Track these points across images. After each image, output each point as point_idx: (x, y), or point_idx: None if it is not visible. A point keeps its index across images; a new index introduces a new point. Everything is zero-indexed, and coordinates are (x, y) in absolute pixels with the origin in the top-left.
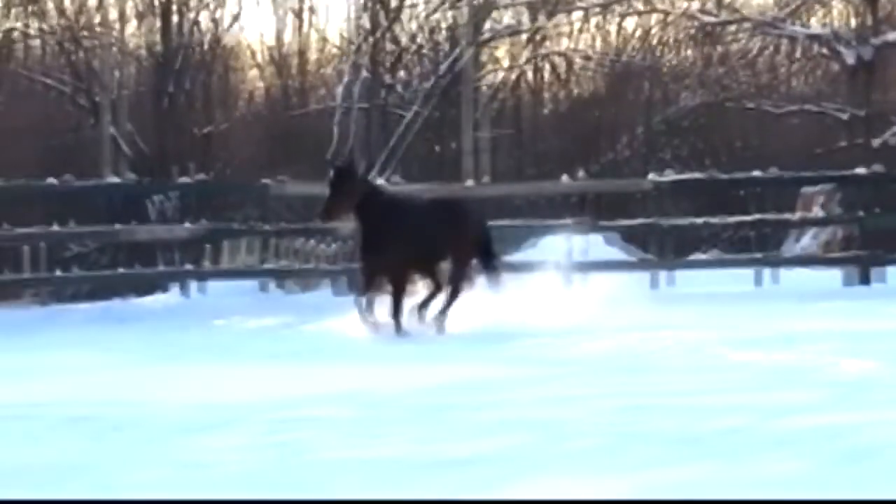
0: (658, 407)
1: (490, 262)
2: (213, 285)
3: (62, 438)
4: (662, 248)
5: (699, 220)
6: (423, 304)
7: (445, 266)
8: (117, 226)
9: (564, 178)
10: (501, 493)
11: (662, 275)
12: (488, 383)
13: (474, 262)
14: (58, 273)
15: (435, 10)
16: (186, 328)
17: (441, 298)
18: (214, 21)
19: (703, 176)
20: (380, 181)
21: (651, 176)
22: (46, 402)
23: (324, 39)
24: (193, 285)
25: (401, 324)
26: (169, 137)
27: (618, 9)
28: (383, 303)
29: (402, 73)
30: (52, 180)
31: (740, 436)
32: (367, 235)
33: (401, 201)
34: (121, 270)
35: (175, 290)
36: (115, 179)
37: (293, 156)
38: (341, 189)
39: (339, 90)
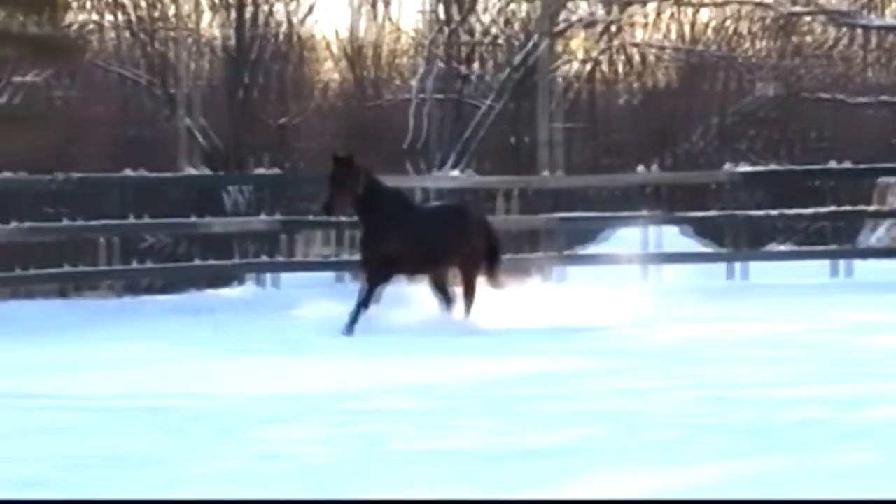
0: (732, 399)
1: (493, 264)
2: (288, 277)
3: (139, 430)
4: (737, 240)
5: (774, 212)
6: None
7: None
8: (193, 218)
9: (640, 168)
10: (578, 485)
11: (737, 266)
12: (562, 375)
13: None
14: (134, 265)
15: (510, 1)
16: (261, 320)
17: (458, 305)
18: (289, 12)
19: (778, 167)
20: (455, 173)
21: (726, 167)
22: (123, 394)
23: (398, 30)
24: (269, 277)
25: (358, 317)
26: (244, 129)
27: None
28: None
29: (476, 65)
30: (128, 172)
31: (814, 427)
32: (369, 229)
33: (403, 197)
34: (196, 262)
35: (250, 282)
36: (190, 171)
37: (368, 148)
38: (342, 181)
39: (414, 82)
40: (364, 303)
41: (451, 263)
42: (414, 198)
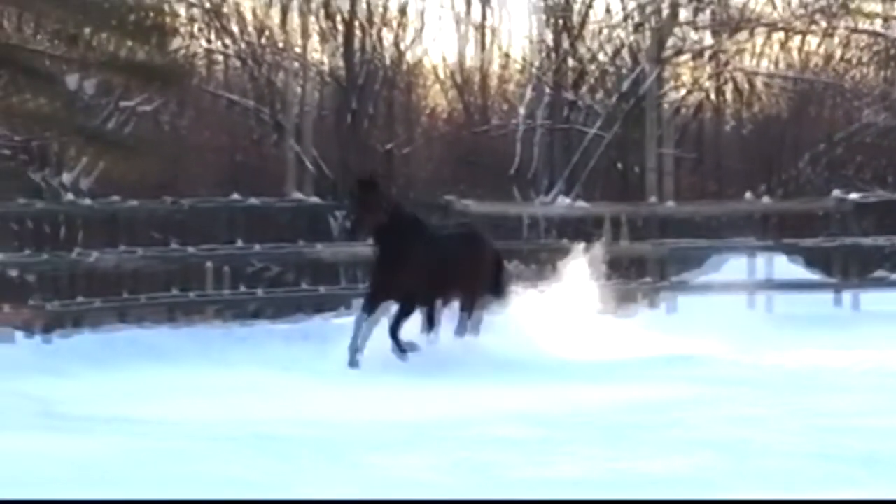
0: (841, 427)
1: (499, 292)
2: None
3: (249, 456)
4: (846, 268)
5: (883, 239)
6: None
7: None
8: (301, 244)
9: (748, 196)
10: None
11: (847, 295)
12: (671, 402)
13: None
14: (242, 290)
15: (616, 27)
16: (371, 346)
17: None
18: (397, 38)
19: (887, 195)
20: (563, 200)
21: (834, 194)
22: (233, 420)
23: (506, 57)
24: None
25: (400, 343)
26: (352, 156)
27: (800, 27)
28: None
29: (584, 91)
30: (236, 197)
31: None
32: (385, 256)
33: (422, 225)
34: (304, 288)
35: (358, 306)
36: (299, 197)
37: (475, 174)
38: (368, 203)
39: (522, 109)
40: (395, 337)
41: (458, 290)
42: (430, 226)
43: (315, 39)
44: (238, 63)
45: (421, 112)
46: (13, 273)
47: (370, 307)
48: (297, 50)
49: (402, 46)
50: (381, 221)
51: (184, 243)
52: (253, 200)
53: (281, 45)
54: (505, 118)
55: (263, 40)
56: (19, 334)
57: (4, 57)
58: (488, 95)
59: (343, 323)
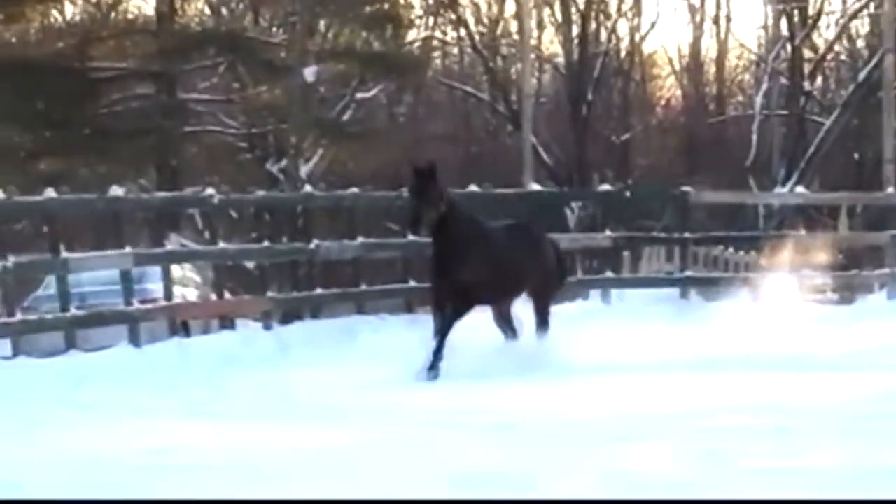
0: None
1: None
2: (633, 292)
3: (488, 446)
4: None
5: None
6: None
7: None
8: None
9: None
10: None
11: None
12: None
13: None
14: None
15: (853, 17)
16: (608, 336)
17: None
18: (632, 29)
19: None
20: (800, 189)
21: None
22: (471, 410)
23: (741, 47)
24: (614, 292)
25: (441, 352)
26: (586, 145)
27: None
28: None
29: (819, 81)
30: (473, 188)
31: None
32: (443, 254)
33: (478, 220)
34: None
35: (596, 296)
36: (535, 187)
37: (709, 163)
38: (427, 194)
39: (758, 98)
40: (441, 341)
41: (524, 289)
42: (485, 221)
43: (550, 30)
44: (473, 53)
45: (655, 101)
46: (251, 264)
47: (441, 315)
48: (533, 41)
49: (637, 37)
50: (440, 214)
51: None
52: (489, 190)
53: (516, 35)
54: (738, 108)
55: (499, 31)
56: (258, 325)
57: (241, 49)
58: (722, 85)
59: (580, 311)
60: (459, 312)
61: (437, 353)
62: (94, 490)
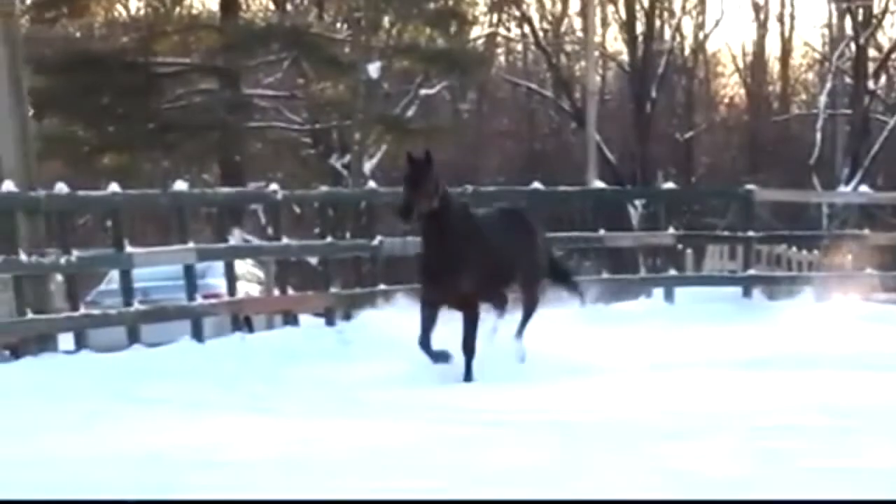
0: None
1: (565, 279)
2: (695, 290)
3: (538, 444)
4: None
5: None
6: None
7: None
8: (602, 232)
9: None
10: None
11: None
12: None
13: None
14: None
15: None
16: (669, 334)
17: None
18: (696, 27)
19: None
20: (863, 188)
21: None
22: (523, 409)
23: (805, 45)
24: (661, 293)
25: (472, 360)
26: (649, 143)
27: None
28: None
29: (883, 80)
30: (537, 185)
31: None
32: (433, 252)
33: (475, 218)
34: (589, 278)
35: (659, 294)
36: (598, 185)
37: (773, 162)
38: (420, 184)
39: (822, 97)
40: (471, 347)
41: (517, 279)
42: (477, 214)
43: (614, 28)
44: (537, 49)
45: (718, 100)
46: (314, 260)
47: (429, 318)
48: (597, 39)
49: (701, 35)
50: (432, 207)
51: None
52: (554, 187)
53: (580, 33)
54: (801, 107)
55: (562, 28)
56: (320, 321)
57: (305, 45)
58: (787, 83)
59: (642, 310)
60: (473, 321)
61: (468, 365)
62: (146, 489)
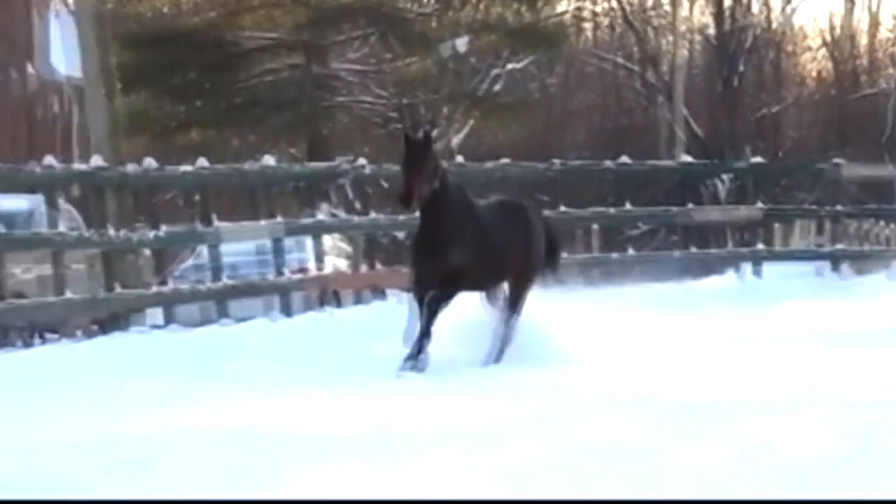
0: None
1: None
2: (783, 266)
3: (629, 419)
4: None
5: None
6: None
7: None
8: (690, 206)
9: None
10: None
11: None
12: None
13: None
14: (613, 255)
15: None
16: (757, 308)
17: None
18: (783, 1)
19: None
20: None
21: None
22: (612, 384)
23: (894, 19)
24: (749, 268)
25: (422, 348)
26: (736, 117)
27: None
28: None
29: None
30: (625, 159)
31: None
32: (431, 233)
33: (472, 202)
34: (676, 253)
35: (747, 269)
36: (686, 158)
37: (860, 136)
38: (420, 166)
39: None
40: (427, 331)
41: (511, 274)
42: (476, 200)
43: (701, 1)
44: (623, 23)
45: (804, 75)
46: (401, 234)
47: (421, 301)
48: (684, 13)
49: (788, 9)
50: (433, 190)
51: (556, 205)
52: (640, 162)
53: (667, 7)
54: (889, 82)
55: (649, 2)
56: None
57: (392, 20)
58: (865, 60)
59: (725, 286)
60: (443, 298)
61: (421, 343)
62: (231, 467)
